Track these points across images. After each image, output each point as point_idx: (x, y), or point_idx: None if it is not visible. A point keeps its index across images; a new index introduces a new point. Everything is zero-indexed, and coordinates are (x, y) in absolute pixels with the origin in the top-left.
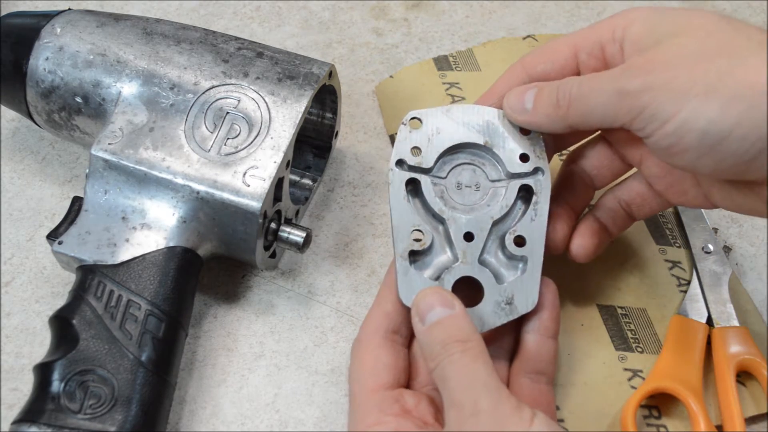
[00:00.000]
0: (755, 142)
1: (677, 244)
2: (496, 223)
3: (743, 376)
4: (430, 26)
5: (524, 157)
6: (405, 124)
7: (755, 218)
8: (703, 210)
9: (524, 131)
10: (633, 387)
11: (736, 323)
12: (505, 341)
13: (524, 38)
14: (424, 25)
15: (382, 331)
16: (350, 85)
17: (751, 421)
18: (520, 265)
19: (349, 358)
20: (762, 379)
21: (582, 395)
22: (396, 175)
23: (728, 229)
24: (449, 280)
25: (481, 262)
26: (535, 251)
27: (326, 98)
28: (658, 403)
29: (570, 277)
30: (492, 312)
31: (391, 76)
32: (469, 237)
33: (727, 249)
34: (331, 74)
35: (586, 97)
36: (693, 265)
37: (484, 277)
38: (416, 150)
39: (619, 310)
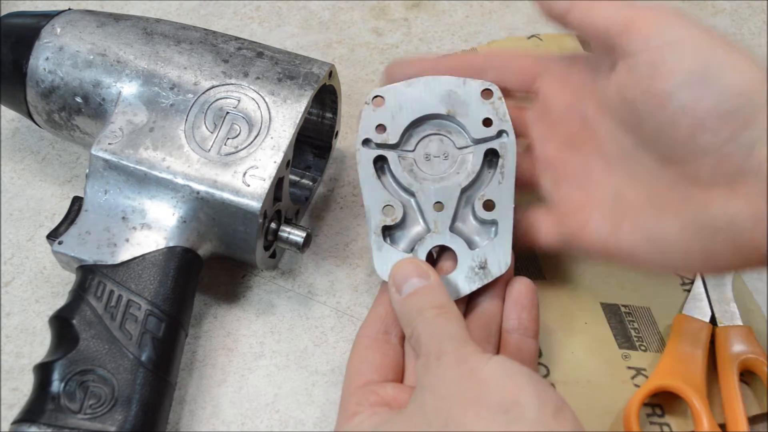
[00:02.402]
0: (742, 93)
1: None
2: (464, 190)
3: (746, 375)
4: (430, 26)
5: (487, 122)
6: (368, 104)
7: None
8: None
9: (485, 97)
10: (636, 385)
11: (739, 322)
12: (491, 342)
13: (529, 38)
14: (424, 25)
15: (373, 332)
16: (350, 85)
17: (754, 419)
18: (492, 229)
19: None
20: (765, 378)
21: (585, 393)
22: (363, 154)
23: None
24: (422, 250)
25: (454, 230)
26: (505, 214)
27: (326, 98)
28: (662, 402)
29: (573, 276)
30: (466, 278)
31: None
32: (438, 207)
33: None
34: (331, 74)
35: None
36: None
37: (456, 244)
38: (381, 127)
39: (623, 309)
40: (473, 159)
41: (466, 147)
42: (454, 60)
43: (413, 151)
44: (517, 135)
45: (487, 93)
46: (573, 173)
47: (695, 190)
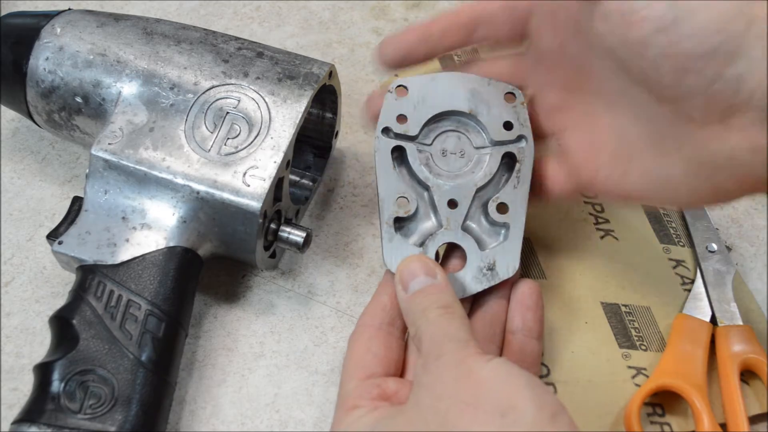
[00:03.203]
0: (719, 30)
1: (681, 243)
2: (479, 190)
3: (747, 374)
4: None
5: (508, 125)
6: (391, 92)
7: (755, 218)
8: (706, 209)
9: (508, 100)
10: (637, 385)
11: (739, 322)
12: (495, 342)
13: None
14: None
15: (377, 323)
16: (350, 85)
17: (754, 419)
18: (503, 232)
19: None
20: (765, 378)
21: (586, 393)
22: (382, 142)
23: (728, 229)
24: (433, 246)
25: (465, 228)
26: (517, 218)
27: (326, 98)
28: (662, 401)
29: (574, 276)
30: (474, 277)
31: (396, 75)
32: (452, 204)
33: (727, 249)
34: (331, 74)
35: None
36: (697, 264)
37: (466, 243)
38: (402, 118)
39: (623, 308)
40: (490, 160)
41: (483, 147)
42: (445, 21)
43: (430, 145)
44: (519, 88)
45: (510, 96)
46: (576, 119)
47: (692, 127)
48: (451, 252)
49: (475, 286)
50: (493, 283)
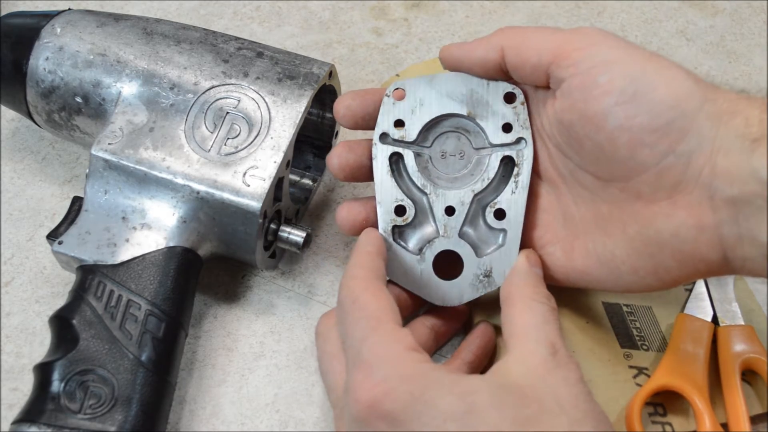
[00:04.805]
0: (674, 106)
1: None
2: (477, 195)
3: (748, 374)
4: (430, 26)
5: (507, 127)
6: (389, 96)
7: None
8: None
9: (508, 100)
10: (638, 384)
11: (741, 322)
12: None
13: None
14: (424, 25)
15: (374, 272)
16: (350, 85)
17: (755, 419)
18: (500, 237)
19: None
20: (767, 378)
21: None
22: (379, 149)
23: None
24: (430, 254)
25: (462, 234)
26: (514, 224)
27: (326, 98)
28: (664, 401)
29: None
30: (470, 285)
31: (397, 75)
32: (450, 211)
33: None
34: (331, 74)
35: (524, 38)
36: None
37: (463, 251)
38: (399, 123)
39: (625, 308)
40: (489, 163)
41: (483, 148)
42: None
43: (430, 147)
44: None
45: (509, 96)
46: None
47: (639, 205)
48: (447, 258)
49: (471, 293)
50: (489, 290)
